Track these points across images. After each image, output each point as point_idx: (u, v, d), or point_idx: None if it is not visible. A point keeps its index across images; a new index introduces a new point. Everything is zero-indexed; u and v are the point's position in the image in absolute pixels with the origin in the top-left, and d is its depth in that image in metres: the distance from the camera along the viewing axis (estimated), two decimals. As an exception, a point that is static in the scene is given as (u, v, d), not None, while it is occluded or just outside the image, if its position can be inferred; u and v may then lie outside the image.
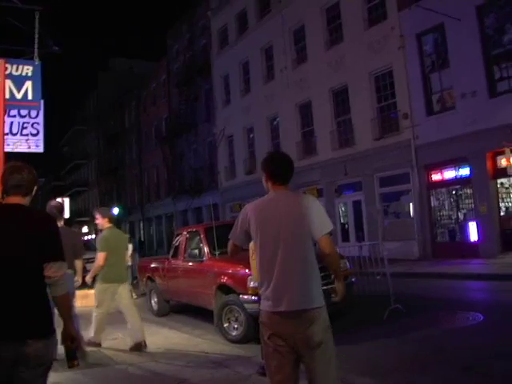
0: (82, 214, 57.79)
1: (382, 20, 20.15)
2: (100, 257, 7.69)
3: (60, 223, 6.77)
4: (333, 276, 3.88)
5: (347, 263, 8.71)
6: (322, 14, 23.32)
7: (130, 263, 15.07)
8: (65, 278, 3.19)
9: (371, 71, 20.56)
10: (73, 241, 6.88)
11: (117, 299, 7.82)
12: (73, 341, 3.25)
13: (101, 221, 7.96)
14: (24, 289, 3.03)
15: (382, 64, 20.06)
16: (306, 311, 3.35)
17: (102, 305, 7.84)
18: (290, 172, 3.71)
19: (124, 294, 7.81)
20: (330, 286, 5.29)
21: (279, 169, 3.70)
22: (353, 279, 8.88)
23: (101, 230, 8.19)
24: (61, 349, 3.55)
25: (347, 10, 21.84)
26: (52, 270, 3.08)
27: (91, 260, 9.48)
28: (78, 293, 9.24)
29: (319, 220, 3.51)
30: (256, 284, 6.14)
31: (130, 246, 15.66)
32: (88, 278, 7.93)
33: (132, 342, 7.67)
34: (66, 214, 16.40)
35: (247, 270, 7.36)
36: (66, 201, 16.92)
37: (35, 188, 3.36)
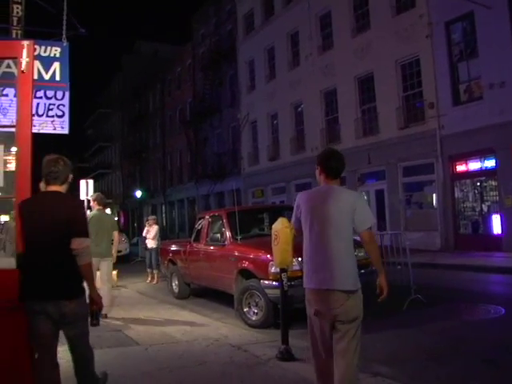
0: (105, 196, 58.14)
1: (410, 7, 19.85)
2: None
3: None
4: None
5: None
6: (349, 0, 23.07)
7: (154, 245, 15.38)
8: (87, 251, 3.83)
9: (398, 59, 20.31)
10: None
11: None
12: (95, 303, 4.01)
13: (92, 203, 9.55)
14: (58, 259, 3.77)
15: (408, 52, 19.79)
16: (343, 291, 3.77)
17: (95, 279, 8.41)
18: (342, 169, 4.18)
19: (103, 268, 8.84)
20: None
21: (333, 165, 4.16)
22: (373, 267, 8.86)
23: None
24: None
25: (375, -4, 21.54)
26: (76, 243, 3.75)
27: None
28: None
29: (362, 216, 3.92)
30: (277, 270, 6.16)
31: (156, 227, 15.92)
32: None
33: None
34: (90, 196, 16.61)
35: (269, 256, 7.38)
36: (91, 182, 17.11)
37: (71, 176, 4.09)
